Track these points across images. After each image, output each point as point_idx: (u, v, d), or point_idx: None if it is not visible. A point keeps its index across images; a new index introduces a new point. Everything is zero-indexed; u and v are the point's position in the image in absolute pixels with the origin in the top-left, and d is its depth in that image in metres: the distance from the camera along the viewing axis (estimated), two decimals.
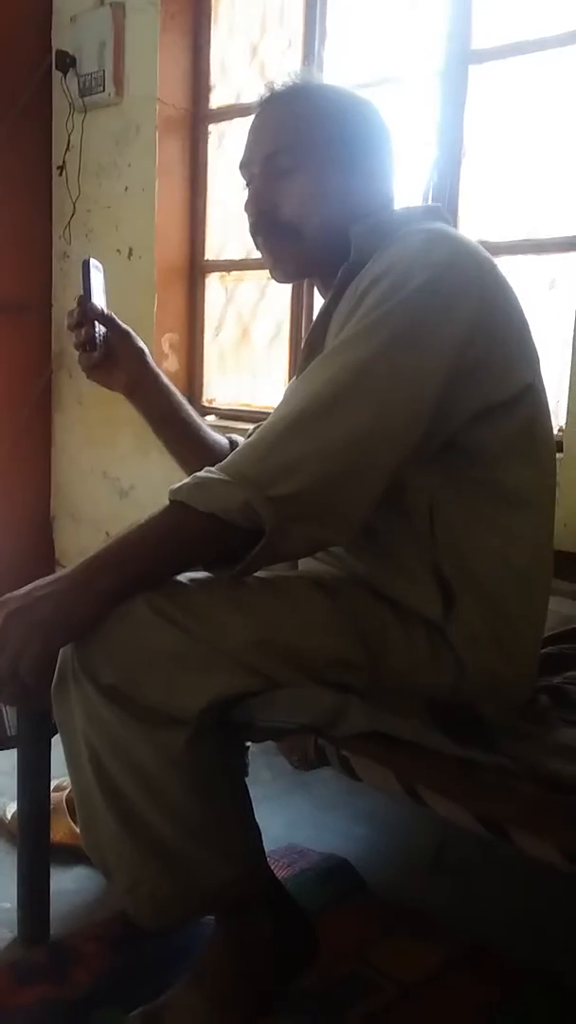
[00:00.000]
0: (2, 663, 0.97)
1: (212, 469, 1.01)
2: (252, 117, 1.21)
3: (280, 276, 1.25)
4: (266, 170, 1.17)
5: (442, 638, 1.10)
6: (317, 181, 1.15)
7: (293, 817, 1.71)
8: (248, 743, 1.32)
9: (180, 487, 1.01)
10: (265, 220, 1.18)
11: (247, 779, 1.15)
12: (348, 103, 1.18)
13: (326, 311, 1.19)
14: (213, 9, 2.60)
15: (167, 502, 1.02)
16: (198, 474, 1.02)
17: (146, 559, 1.02)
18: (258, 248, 1.23)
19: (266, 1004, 1.16)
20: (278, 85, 1.19)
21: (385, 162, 1.20)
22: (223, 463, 1.02)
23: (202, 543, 1.02)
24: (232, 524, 0.98)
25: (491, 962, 1.32)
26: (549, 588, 1.18)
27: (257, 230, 1.20)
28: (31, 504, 3.07)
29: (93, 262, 1.29)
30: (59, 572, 1.02)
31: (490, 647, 1.10)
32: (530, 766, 0.96)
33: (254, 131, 1.20)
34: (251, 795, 1.11)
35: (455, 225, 1.33)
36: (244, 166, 1.21)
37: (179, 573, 1.06)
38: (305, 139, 1.15)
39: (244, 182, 1.22)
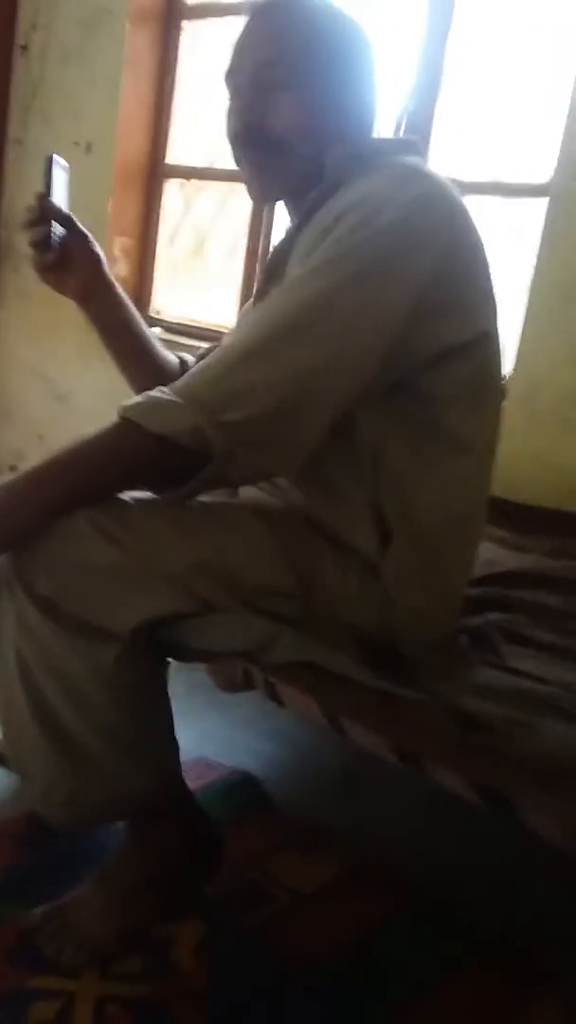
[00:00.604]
0: None
1: (165, 389, 1.00)
2: (229, 20, 1.16)
3: (260, 195, 1.20)
4: (257, 80, 1.11)
5: (374, 574, 1.12)
6: (311, 98, 1.11)
7: (205, 732, 1.73)
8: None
9: (134, 405, 1.00)
10: (250, 134, 1.12)
11: None
12: (341, 21, 1.14)
13: (290, 235, 1.16)
14: None
15: (114, 417, 1.00)
16: (151, 393, 1.00)
17: (91, 474, 1.01)
18: (239, 163, 1.17)
19: (168, 909, 1.21)
20: None
21: (371, 86, 1.16)
22: (177, 384, 1.01)
23: (150, 463, 1.02)
24: (181, 447, 0.97)
25: (384, 878, 1.37)
26: (482, 534, 1.21)
27: (241, 143, 1.14)
28: None
29: (57, 159, 1.24)
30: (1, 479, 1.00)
31: (419, 587, 1.12)
32: (448, 703, 0.99)
33: (246, 37, 1.14)
34: None
35: (426, 157, 1.31)
36: (230, 75, 1.14)
37: (123, 491, 1.05)
38: (301, 53, 1.10)
39: (228, 93, 1.15)
